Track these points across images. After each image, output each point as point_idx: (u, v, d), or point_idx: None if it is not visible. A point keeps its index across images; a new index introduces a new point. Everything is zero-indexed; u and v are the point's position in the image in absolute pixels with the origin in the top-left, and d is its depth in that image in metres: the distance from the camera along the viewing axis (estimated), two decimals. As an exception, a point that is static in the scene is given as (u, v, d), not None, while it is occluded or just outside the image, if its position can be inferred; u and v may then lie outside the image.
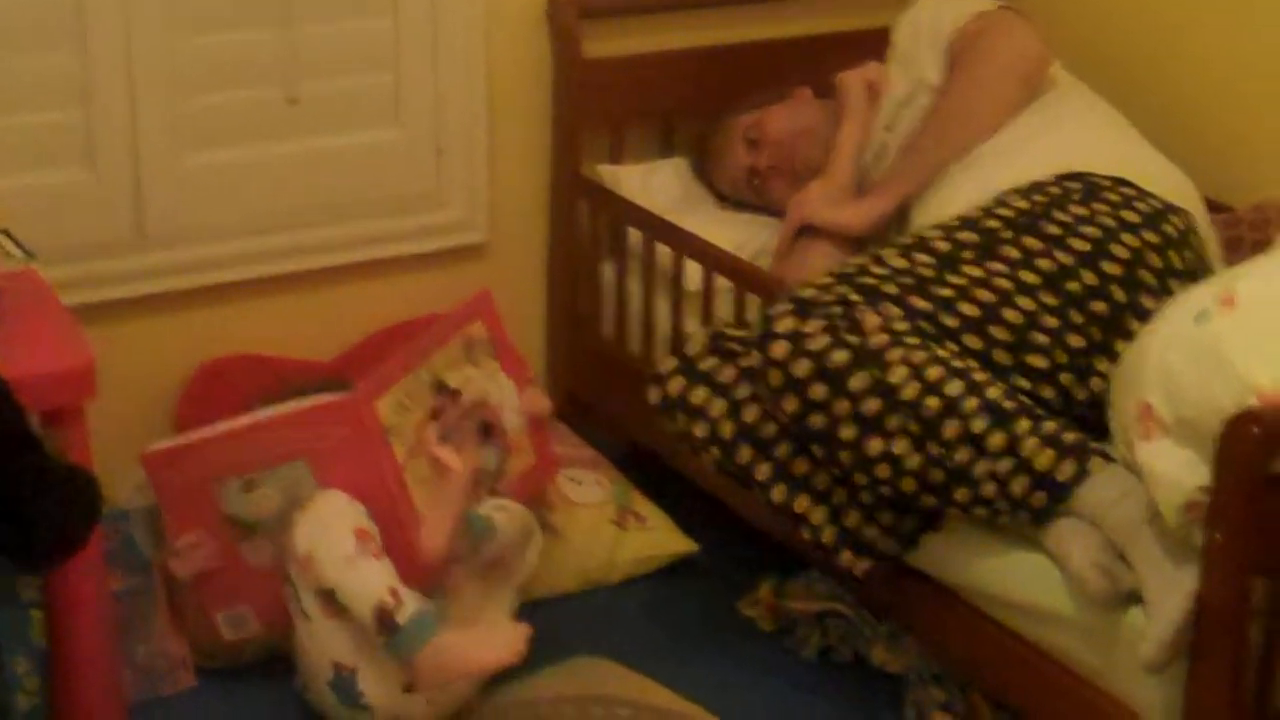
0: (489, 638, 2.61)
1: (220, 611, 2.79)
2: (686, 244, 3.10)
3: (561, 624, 2.98)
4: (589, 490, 3.21)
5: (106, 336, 2.82)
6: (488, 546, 2.63)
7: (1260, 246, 2.90)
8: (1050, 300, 2.62)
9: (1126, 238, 2.69)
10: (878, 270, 2.63)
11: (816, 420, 2.52)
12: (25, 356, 2.43)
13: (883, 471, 2.51)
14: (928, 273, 2.63)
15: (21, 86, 2.93)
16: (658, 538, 3.20)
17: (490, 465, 2.84)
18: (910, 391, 2.47)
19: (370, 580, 2.57)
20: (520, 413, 2.92)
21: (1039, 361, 2.60)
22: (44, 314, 2.60)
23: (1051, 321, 2.61)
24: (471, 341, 2.85)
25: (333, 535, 2.61)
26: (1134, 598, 2.34)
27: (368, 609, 2.56)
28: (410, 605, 2.56)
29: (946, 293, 2.60)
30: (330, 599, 2.61)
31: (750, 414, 2.65)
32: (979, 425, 2.46)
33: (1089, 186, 2.77)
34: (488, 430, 2.84)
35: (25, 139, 2.95)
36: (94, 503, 2.34)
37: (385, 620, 2.55)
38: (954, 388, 2.48)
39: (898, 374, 2.48)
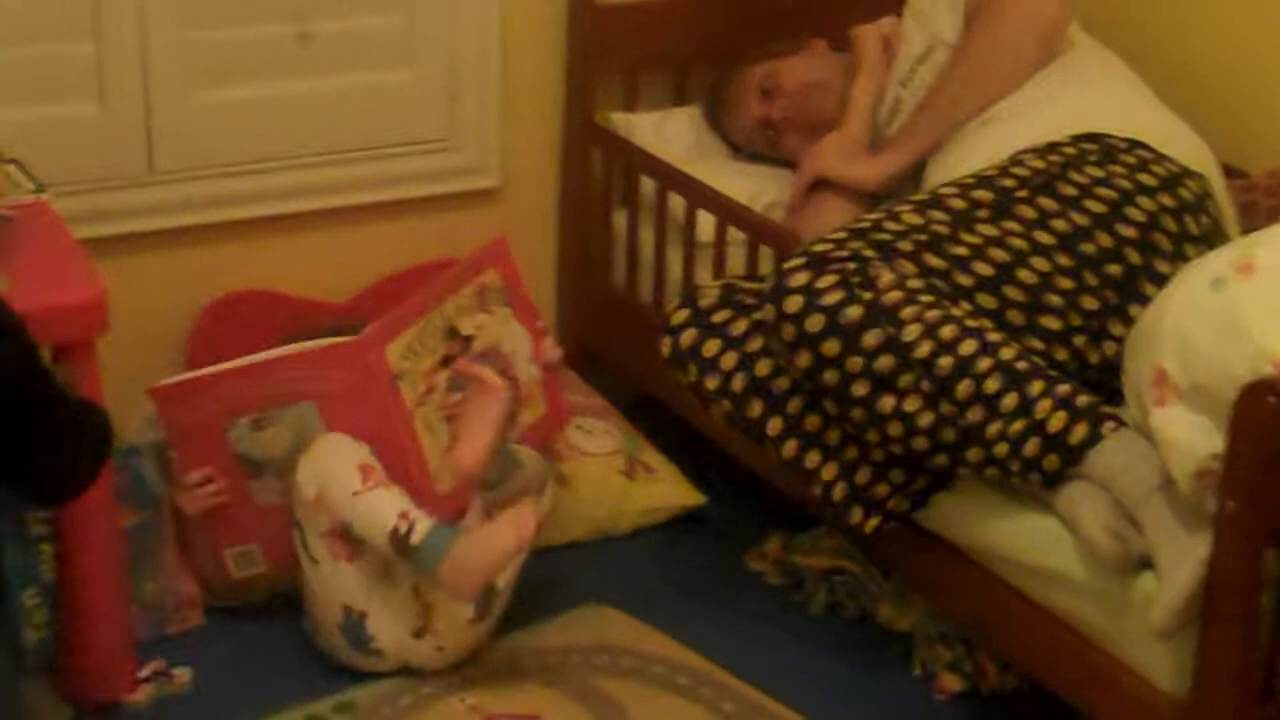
0: (499, 528, 2.62)
1: (228, 548, 2.79)
2: (699, 194, 3.09)
3: (569, 573, 2.99)
4: (598, 440, 3.20)
5: (117, 271, 2.79)
6: (513, 479, 2.63)
7: (1276, 213, 2.90)
8: (1065, 261, 2.61)
9: (1143, 200, 2.69)
10: (893, 226, 2.62)
11: (829, 376, 2.51)
12: (37, 289, 2.42)
13: (895, 429, 2.51)
14: (943, 230, 2.62)
15: (33, 17, 2.91)
16: (666, 489, 3.20)
17: None
18: (924, 349, 2.47)
19: (380, 508, 2.58)
20: (533, 361, 2.91)
21: (1052, 323, 2.59)
22: (55, 247, 2.59)
23: (1066, 283, 2.61)
24: (485, 288, 2.84)
25: (338, 473, 2.61)
26: (1145, 563, 2.34)
27: (382, 537, 2.57)
28: (422, 524, 2.57)
29: (961, 251, 2.60)
30: (344, 536, 2.62)
31: (762, 368, 2.65)
32: (992, 385, 2.45)
33: (1106, 148, 2.76)
34: (501, 378, 2.83)
35: (37, 71, 2.93)
36: (105, 438, 2.34)
37: (400, 543, 2.56)
38: (967, 347, 2.47)
39: (911, 331, 2.47)
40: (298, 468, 2.64)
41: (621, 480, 3.17)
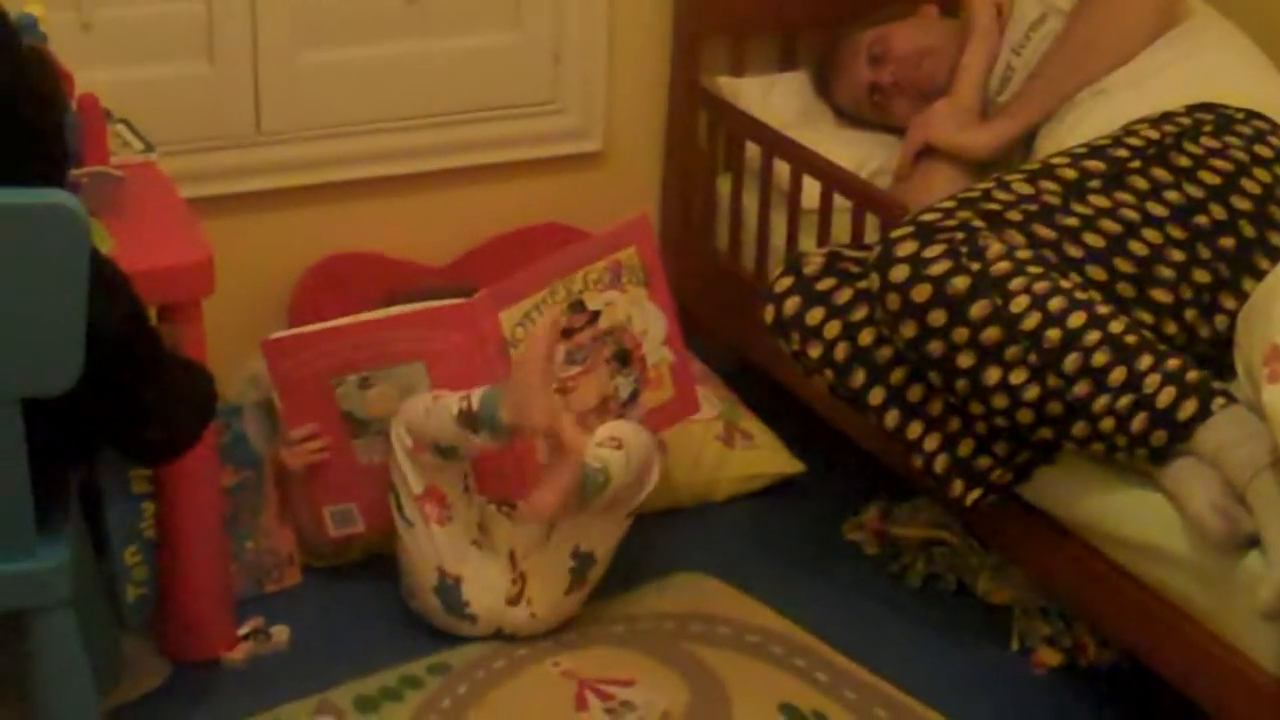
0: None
1: (328, 506, 2.81)
2: (805, 160, 3.06)
3: (664, 539, 2.98)
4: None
5: (222, 230, 2.82)
6: (600, 499, 2.62)
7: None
8: (1177, 234, 2.57)
9: (1259, 172, 2.64)
10: (1002, 196, 2.59)
11: (934, 347, 2.48)
12: (145, 250, 2.44)
13: (999, 401, 2.48)
14: (1053, 200, 2.58)
15: (144, -23, 2.93)
16: (764, 456, 3.19)
17: (623, 394, 2.82)
18: (1031, 321, 2.43)
19: (446, 405, 2.59)
20: (666, 344, 2.88)
21: (1163, 296, 2.55)
22: (164, 207, 2.62)
23: (1178, 255, 2.56)
24: (621, 266, 2.81)
25: (416, 408, 2.63)
26: (1253, 542, 2.29)
27: (453, 425, 2.58)
28: (478, 392, 2.57)
29: (1072, 222, 2.56)
30: (436, 495, 2.64)
31: (866, 337, 2.62)
32: (1100, 359, 2.42)
33: (1221, 118, 2.71)
34: (625, 357, 2.82)
35: (146, 30, 2.96)
36: (209, 400, 2.36)
37: (467, 417, 2.57)
38: (1076, 320, 2.44)
39: (1019, 303, 2.44)
40: (391, 430, 2.65)
41: (720, 447, 3.16)
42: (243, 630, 2.70)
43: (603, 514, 2.67)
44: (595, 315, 2.78)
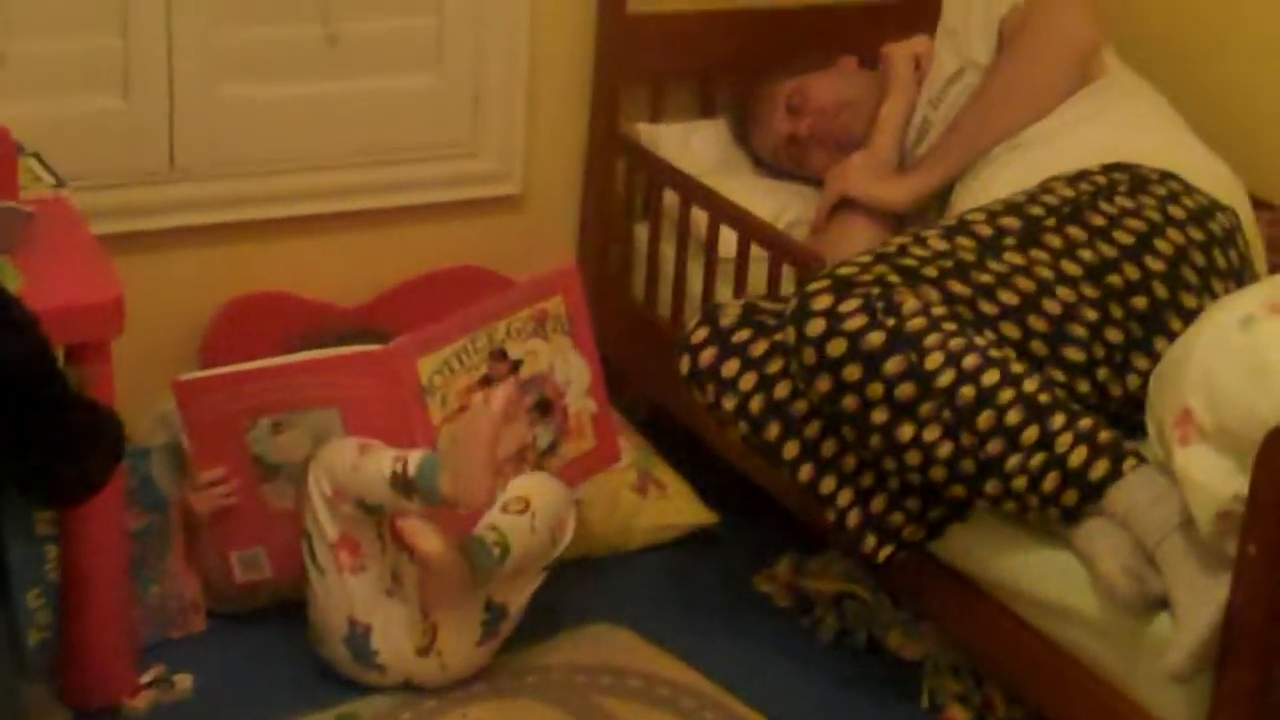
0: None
1: (235, 551, 2.77)
2: (723, 210, 3.06)
3: (578, 589, 2.96)
4: (610, 454, 3.18)
5: (134, 267, 2.78)
6: (500, 571, 2.60)
7: (1305, 249, 2.87)
8: (1091, 292, 2.59)
9: (1172, 233, 2.66)
10: (918, 251, 2.60)
11: (849, 402, 2.48)
12: (53, 287, 2.40)
13: (913, 458, 2.48)
14: (969, 257, 2.59)
15: (58, 10, 2.89)
16: (678, 506, 3.17)
17: (542, 443, 2.80)
18: (945, 378, 2.44)
19: (377, 462, 2.56)
20: (589, 394, 2.86)
21: (1076, 355, 2.56)
22: (74, 244, 2.57)
23: (1091, 314, 2.58)
24: (546, 315, 2.79)
25: (339, 458, 2.60)
26: (1162, 604, 2.31)
27: (385, 487, 2.55)
28: (415, 456, 2.54)
29: (987, 279, 2.57)
30: (349, 545, 2.61)
31: (781, 390, 2.62)
32: (1013, 417, 2.43)
33: (1136, 178, 2.73)
34: (546, 407, 2.80)
35: (60, 63, 2.91)
36: (117, 442, 2.32)
37: (401, 482, 2.54)
38: (990, 377, 2.44)
39: (934, 360, 2.45)
40: (308, 474, 2.62)
41: (634, 496, 3.14)
42: (145, 678, 2.66)
43: (513, 574, 2.65)
44: (517, 364, 2.76)
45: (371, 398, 2.62)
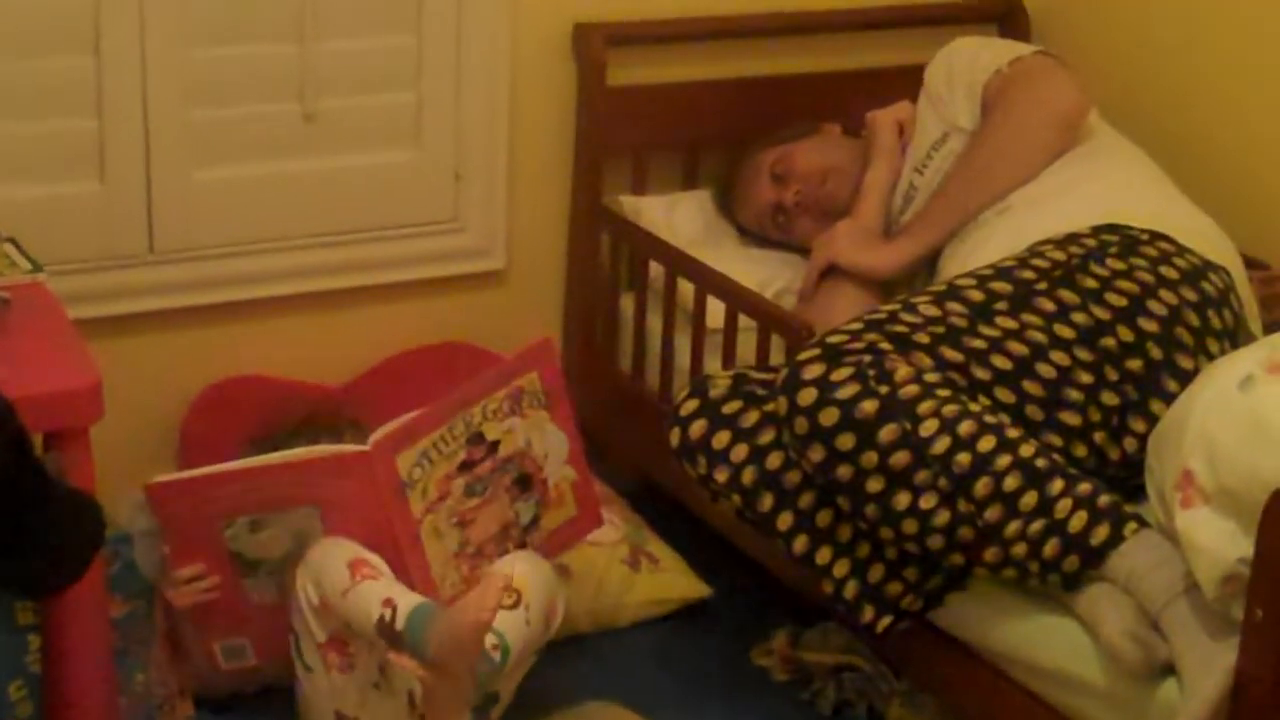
0: (465, 607, 2.49)
1: (218, 642, 2.72)
2: (709, 280, 3.03)
3: (569, 666, 2.92)
4: (602, 529, 3.12)
5: (113, 351, 2.76)
6: (501, 674, 2.55)
7: (1299, 307, 2.85)
8: (1085, 356, 2.56)
9: (1164, 294, 2.63)
10: (909, 318, 2.57)
11: (843, 471, 2.45)
12: (30, 374, 2.37)
13: (910, 527, 2.44)
14: (960, 323, 2.56)
15: (34, 93, 2.87)
16: (671, 580, 3.13)
17: (524, 519, 2.76)
18: (941, 446, 2.41)
19: (367, 601, 2.51)
20: (568, 463, 2.83)
21: (1072, 419, 2.53)
22: (50, 330, 2.54)
23: (1086, 378, 2.55)
24: (521, 392, 2.74)
25: (330, 575, 2.55)
26: (1168, 670, 2.27)
27: (372, 630, 2.50)
28: (404, 606, 2.48)
29: (979, 344, 2.54)
30: (341, 648, 2.56)
31: (773, 461, 2.58)
32: (1011, 484, 2.39)
33: (1127, 240, 2.71)
34: (525, 482, 2.76)
35: (36, 147, 2.89)
36: (97, 530, 2.28)
37: (387, 633, 2.49)
38: (986, 443, 2.41)
39: (928, 427, 2.42)
40: (296, 576, 2.58)
41: (625, 570, 3.10)
42: (131, 768, 2.62)
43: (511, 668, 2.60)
44: (495, 445, 2.71)
45: (351, 497, 2.57)
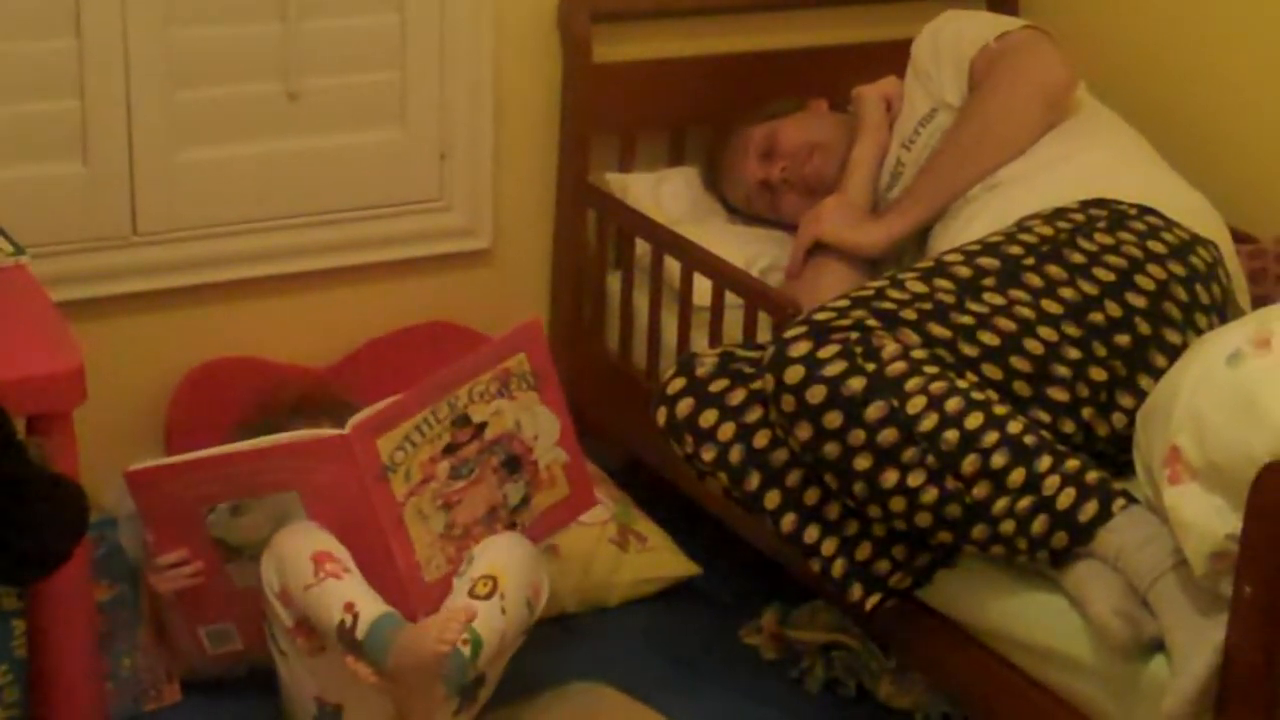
0: (425, 631, 2.49)
1: (203, 626, 2.71)
2: (695, 258, 3.02)
3: (558, 647, 2.91)
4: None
5: (96, 334, 2.75)
6: (473, 669, 2.53)
7: (1287, 280, 2.84)
8: (1073, 331, 2.55)
9: (1152, 269, 2.62)
10: (896, 295, 2.56)
11: (830, 449, 2.44)
12: (11, 358, 2.36)
13: (897, 504, 2.43)
14: (948, 299, 2.55)
15: (15, 74, 2.85)
16: (659, 559, 3.12)
17: (513, 500, 2.74)
18: (928, 423, 2.40)
19: (328, 601, 2.50)
20: (559, 444, 2.81)
21: (1060, 394, 2.52)
22: (33, 313, 2.52)
23: (1074, 353, 2.54)
24: (509, 374, 2.72)
25: (293, 566, 2.53)
26: (1157, 646, 2.27)
27: (331, 632, 2.50)
28: (366, 615, 2.47)
29: (967, 320, 2.53)
30: (309, 631, 2.54)
31: (761, 439, 2.57)
32: (999, 460, 2.38)
33: (1115, 214, 2.70)
34: (514, 463, 2.74)
35: (17, 129, 2.87)
36: (80, 515, 2.26)
37: (347, 639, 2.48)
38: (974, 420, 2.40)
39: (916, 404, 2.40)
40: (262, 561, 2.56)
41: (613, 550, 3.09)
42: (118, 753, 2.61)
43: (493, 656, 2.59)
44: (481, 427, 2.69)
45: (331, 483, 2.55)
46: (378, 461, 2.55)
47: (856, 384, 2.41)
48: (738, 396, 2.59)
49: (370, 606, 2.49)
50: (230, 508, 2.61)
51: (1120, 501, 2.36)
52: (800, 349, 2.45)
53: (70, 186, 2.92)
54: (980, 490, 2.39)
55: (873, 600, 2.54)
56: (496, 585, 2.57)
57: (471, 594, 2.56)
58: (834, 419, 2.42)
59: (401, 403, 2.59)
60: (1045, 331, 2.54)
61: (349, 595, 2.49)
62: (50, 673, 2.48)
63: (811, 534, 2.56)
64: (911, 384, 2.41)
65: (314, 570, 2.51)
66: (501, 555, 2.64)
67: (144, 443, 3.01)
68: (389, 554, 2.56)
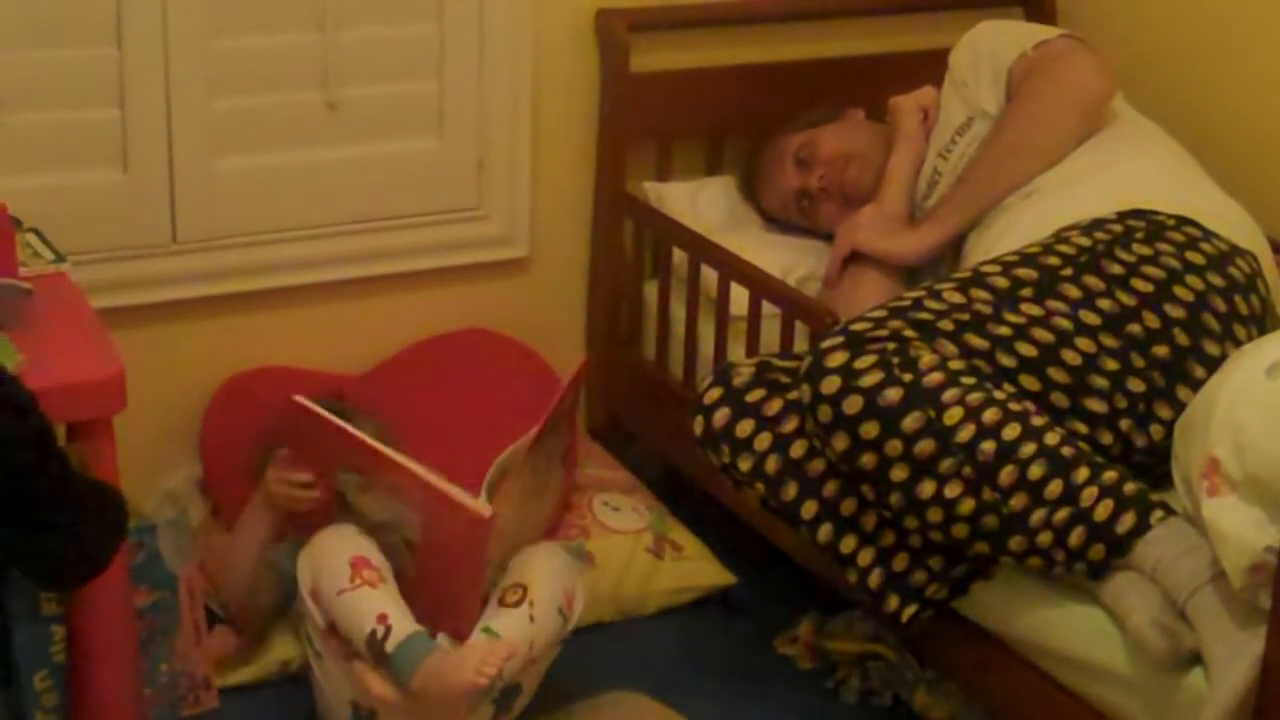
0: (463, 658, 2.50)
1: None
2: (732, 267, 3.02)
3: (593, 656, 2.91)
4: (626, 517, 3.13)
5: (135, 342, 2.75)
6: (499, 684, 2.53)
7: (1326, 292, 2.82)
8: (1111, 342, 2.54)
9: (1191, 280, 2.61)
10: (933, 305, 2.55)
11: (867, 459, 2.44)
12: (53, 365, 2.37)
13: (934, 515, 2.43)
14: (985, 310, 2.55)
15: (56, 83, 2.86)
16: (695, 568, 3.12)
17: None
18: (965, 434, 2.39)
19: (361, 609, 2.51)
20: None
21: (1098, 406, 2.52)
22: (74, 320, 2.54)
23: (1112, 364, 2.53)
24: None
25: (330, 568, 2.55)
26: (1195, 659, 2.26)
27: (361, 640, 2.50)
28: (399, 630, 2.48)
29: (1004, 331, 2.52)
30: (338, 633, 2.55)
31: (797, 449, 2.57)
32: (1036, 472, 2.38)
33: (1153, 225, 2.69)
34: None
35: (58, 137, 2.89)
36: (120, 521, 2.28)
37: (375, 648, 2.49)
38: (1011, 432, 2.40)
39: (953, 415, 2.40)
40: (299, 557, 2.57)
41: (649, 559, 3.09)
42: (156, 758, 2.62)
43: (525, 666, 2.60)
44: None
45: (450, 537, 2.56)
46: (483, 555, 2.58)
47: (893, 394, 2.41)
48: (774, 406, 2.59)
49: (403, 622, 2.50)
50: (362, 482, 2.62)
51: (1158, 513, 2.35)
52: (837, 359, 2.45)
53: (111, 195, 2.94)
54: (1017, 501, 2.38)
55: (909, 611, 2.54)
56: (526, 593, 2.58)
57: (500, 602, 2.57)
58: (871, 429, 2.42)
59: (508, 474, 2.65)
60: (1083, 343, 2.53)
61: (383, 606, 2.51)
62: (89, 678, 2.50)
63: (848, 544, 2.55)
64: (948, 395, 2.41)
65: (350, 575, 2.52)
66: (533, 564, 2.65)
67: (181, 450, 3.03)
68: (459, 598, 2.58)
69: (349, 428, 2.62)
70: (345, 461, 2.64)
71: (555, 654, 2.67)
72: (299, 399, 2.64)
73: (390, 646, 2.47)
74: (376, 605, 2.50)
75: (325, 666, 2.60)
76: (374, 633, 2.48)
